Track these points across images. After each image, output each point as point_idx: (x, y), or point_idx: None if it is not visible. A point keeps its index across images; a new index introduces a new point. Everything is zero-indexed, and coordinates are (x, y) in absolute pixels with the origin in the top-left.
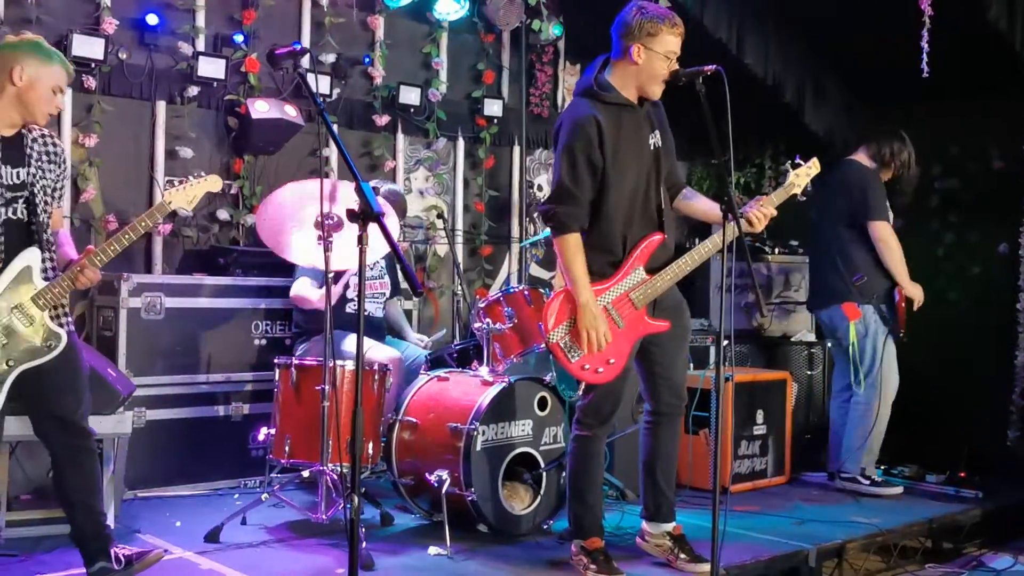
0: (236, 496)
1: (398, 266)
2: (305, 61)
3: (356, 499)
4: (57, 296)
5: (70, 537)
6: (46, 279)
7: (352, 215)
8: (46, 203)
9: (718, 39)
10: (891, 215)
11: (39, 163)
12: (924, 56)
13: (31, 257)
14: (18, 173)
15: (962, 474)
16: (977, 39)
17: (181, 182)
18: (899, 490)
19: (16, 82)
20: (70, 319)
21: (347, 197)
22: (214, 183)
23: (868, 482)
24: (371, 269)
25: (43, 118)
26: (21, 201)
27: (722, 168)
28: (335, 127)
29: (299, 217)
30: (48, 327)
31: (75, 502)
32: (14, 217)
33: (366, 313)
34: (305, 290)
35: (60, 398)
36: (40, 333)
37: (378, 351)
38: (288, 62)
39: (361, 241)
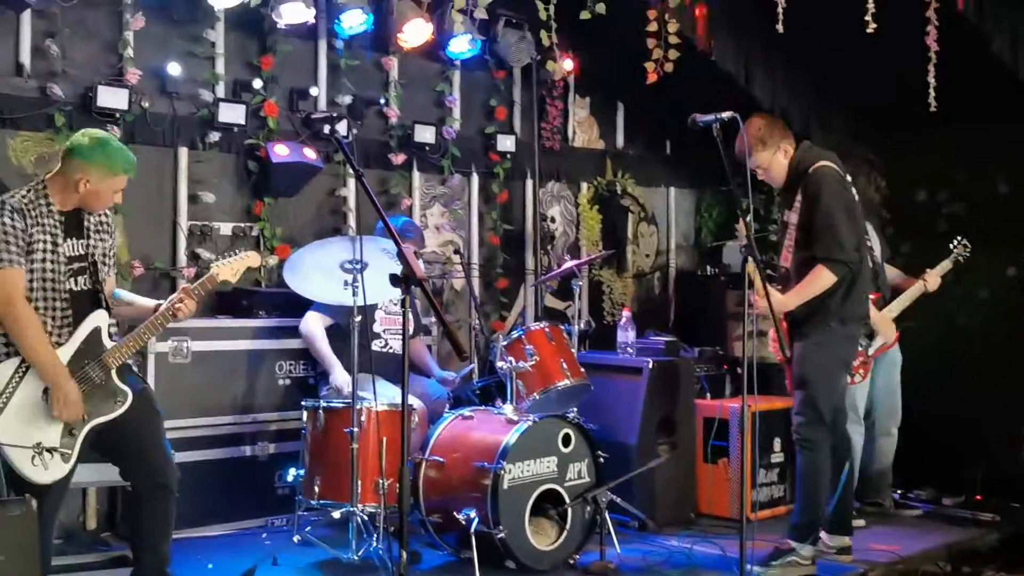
0: (264, 535)
1: (444, 333)
2: (322, 104)
3: (404, 554)
4: (124, 355)
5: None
6: (111, 339)
7: (395, 280)
8: (104, 270)
9: (726, 72)
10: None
11: (97, 234)
12: (931, 91)
13: (100, 319)
14: (80, 245)
15: (978, 497)
16: (981, 70)
17: (227, 255)
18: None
19: (80, 190)
20: (137, 372)
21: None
22: (253, 259)
23: None
24: (393, 304)
25: (99, 211)
26: (86, 272)
27: (736, 202)
28: None
29: (325, 264)
30: (116, 385)
31: (145, 543)
32: (78, 288)
33: (390, 350)
34: (313, 325)
35: (136, 439)
36: (109, 390)
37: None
38: (324, 125)
39: (404, 305)
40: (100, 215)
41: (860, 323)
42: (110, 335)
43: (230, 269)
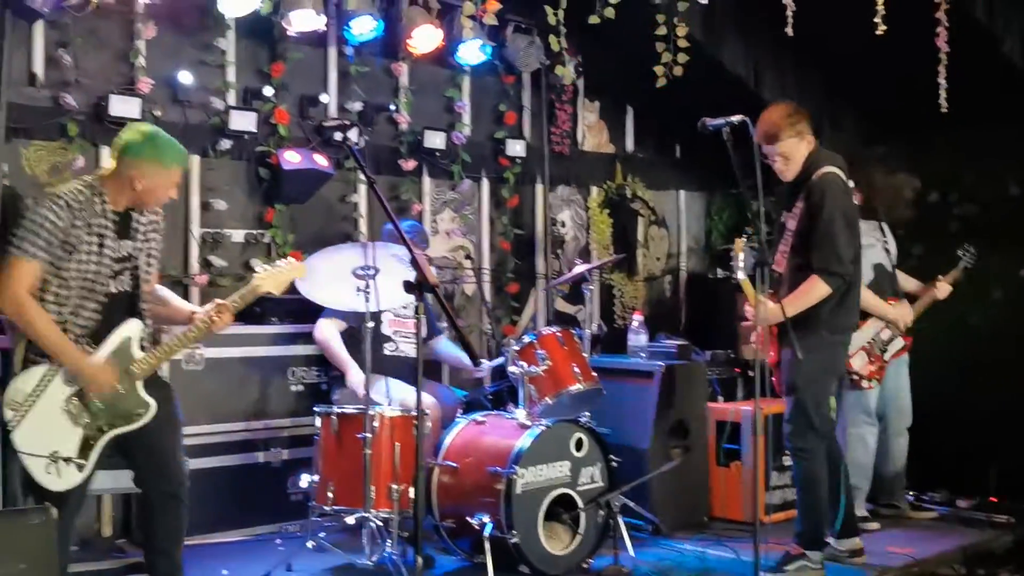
0: (277, 541)
1: (456, 338)
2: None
3: (419, 560)
4: (152, 366)
5: None
6: (142, 349)
7: (409, 287)
8: (148, 273)
9: (735, 75)
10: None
11: (146, 235)
12: (941, 93)
13: (132, 328)
14: (128, 246)
15: (993, 499)
16: (991, 71)
17: (273, 265)
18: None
19: (136, 188)
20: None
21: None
22: (299, 270)
23: None
24: (404, 308)
25: (154, 209)
26: (127, 273)
27: (746, 205)
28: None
29: (337, 271)
30: (140, 396)
31: (159, 549)
32: (118, 290)
33: (402, 354)
34: (327, 331)
35: (155, 447)
36: (133, 401)
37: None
38: (337, 133)
39: (418, 312)
40: (152, 215)
41: (849, 332)
42: (141, 345)
43: (274, 280)
